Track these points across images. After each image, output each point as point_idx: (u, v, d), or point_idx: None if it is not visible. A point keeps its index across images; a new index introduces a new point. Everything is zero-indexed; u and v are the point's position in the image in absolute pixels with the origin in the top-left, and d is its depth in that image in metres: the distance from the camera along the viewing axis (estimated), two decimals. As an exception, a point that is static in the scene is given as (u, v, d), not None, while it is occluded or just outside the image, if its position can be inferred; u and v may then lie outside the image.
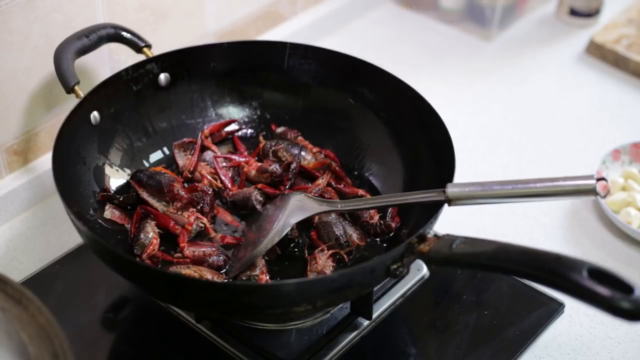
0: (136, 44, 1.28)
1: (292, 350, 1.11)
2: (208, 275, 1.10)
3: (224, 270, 1.13)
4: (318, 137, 1.32)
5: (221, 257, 1.13)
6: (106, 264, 1.04)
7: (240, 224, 1.21)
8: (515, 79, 1.68)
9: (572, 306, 1.20)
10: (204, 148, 1.29)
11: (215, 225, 1.20)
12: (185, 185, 1.22)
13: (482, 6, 1.74)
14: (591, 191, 0.97)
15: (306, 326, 1.13)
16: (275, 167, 1.23)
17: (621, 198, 1.34)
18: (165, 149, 1.30)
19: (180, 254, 1.14)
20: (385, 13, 1.83)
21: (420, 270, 1.22)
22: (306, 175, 1.26)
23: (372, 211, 1.20)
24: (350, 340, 1.13)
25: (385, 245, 1.18)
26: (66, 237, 1.28)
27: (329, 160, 1.28)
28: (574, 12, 1.79)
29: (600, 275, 0.85)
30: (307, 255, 1.15)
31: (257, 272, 1.11)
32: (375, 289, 1.10)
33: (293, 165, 1.23)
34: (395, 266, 0.98)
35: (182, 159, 1.28)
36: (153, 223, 1.17)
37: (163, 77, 1.29)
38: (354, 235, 1.18)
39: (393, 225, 1.18)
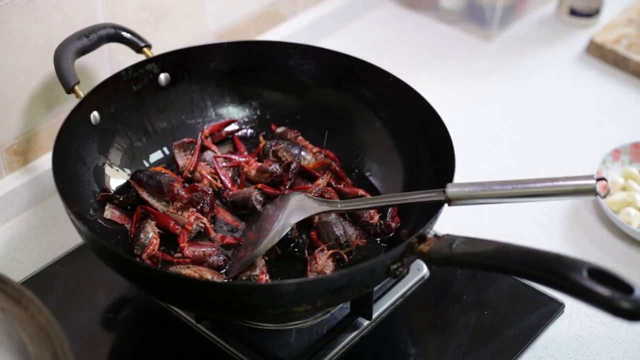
0: (136, 44, 1.28)
1: (292, 350, 1.11)
2: (208, 275, 1.10)
3: (224, 270, 1.13)
4: (318, 137, 1.32)
5: (221, 257, 1.13)
6: (106, 264, 1.04)
7: (241, 224, 1.21)
8: (515, 79, 1.68)
9: (572, 306, 1.20)
10: (204, 148, 1.29)
11: (215, 225, 1.20)
12: (185, 185, 1.22)
13: (482, 6, 1.74)
14: (591, 191, 0.97)
15: (306, 326, 1.14)
16: (275, 167, 1.23)
17: (621, 198, 1.34)
18: (165, 149, 1.30)
19: (180, 254, 1.14)
20: (385, 13, 1.83)
21: (420, 270, 1.22)
22: (306, 175, 1.26)
23: (372, 211, 1.20)
24: (350, 340, 1.13)
25: (385, 245, 1.18)
26: (66, 237, 1.28)
27: (329, 160, 1.28)
28: (574, 12, 1.79)
29: (600, 275, 0.85)
30: (307, 255, 1.15)
31: (257, 272, 1.11)
32: (375, 289, 1.10)
33: (293, 165, 1.23)
34: (395, 266, 0.98)
35: (182, 159, 1.28)
36: (153, 223, 1.17)
37: (163, 77, 1.29)
38: (354, 235, 1.18)
39: (393, 225, 1.18)
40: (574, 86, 1.66)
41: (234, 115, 1.36)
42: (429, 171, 1.19)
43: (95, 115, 1.21)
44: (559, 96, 1.64)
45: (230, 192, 1.23)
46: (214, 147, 1.30)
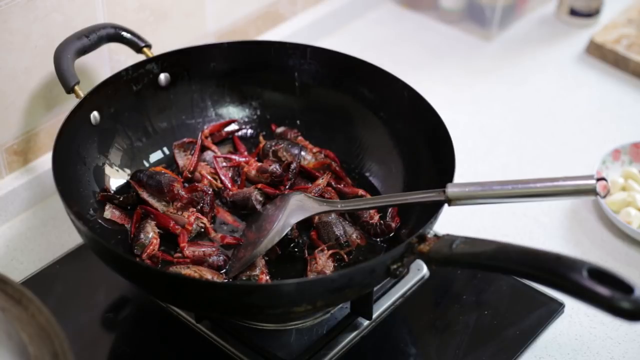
0: (136, 44, 1.28)
1: (292, 350, 1.11)
2: (208, 275, 1.10)
3: (224, 270, 1.13)
4: (318, 137, 1.32)
5: (221, 257, 1.13)
6: (106, 264, 1.04)
7: (241, 224, 1.21)
8: (515, 79, 1.68)
9: (572, 306, 1.20)
10: (204, 148, 1.29)
11: (215, 225, 1.20)
12: (185, 185, 1.22)
13: (482, 6, 1.74)
14: (591, 191, 0.97)
15: (306, 326, 1.14)
16: (275, 167, 1.23)
17: (621, 198, 1.34)
18: (165, 149, 1.30)
19: (180, 254, 1.14)
20: (385, 13, 1.83)
21: (420, 270, 1.22)
22: (306, 175, 1.26)
23: (372, 211, 1.20)
24: (350, 340, 1.13)
25: (385, 245, 1.18)
26: (66, 237, 1.28)
27: (329, 160, 1.28)
28: (574, 12, 1.79)
29: (600, 275, 0.85)
30: (307, 255, 1.15)
31: (257, 272, 1.11)
32: (375, 289, 1.10)
33: (293, 165, 1.23)
34: (395, 266, 0.98)
35: (182, 159, 1.28)
36: (153, 223, 1.17)
37: (163, 77, 1.29)
38: (354, 235, 1.18)
39: (393, 225, 1.18)
40: (574, 86, 1.66)
41: (234, 115, 1.36)
42: (429, 171, 1.19)
43: (95, 115, 1.21)
44: (559, 96, 1.64)
45: (230, 192, 1.23)
46: (214, 147, 1.30)
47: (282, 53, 1.32)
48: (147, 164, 1.28)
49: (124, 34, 1.27)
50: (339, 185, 1.24)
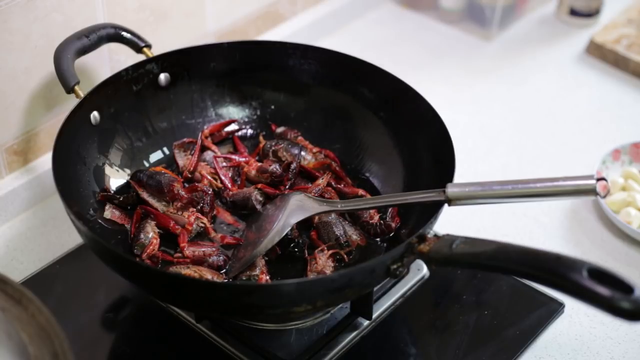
0: (136, 44, 1.28)
1: (292, 350, 1.11)
2: (208, 275, 1.10)
3: (224, 270, 1.13)
4: (318, 137, 1.32)
5: (221, 257, 1.13)
6: (106, 264, 1.04)
7: (241, 224, 1.21)
8: (515, 79, 1.68)
9: (572, 306, 1.20)
10: (204, 148, 1.29)
11: (215, 225, 1.20)
12: (185, 185, 1.22)
13: (482, 6, 1.74)
14: (591, 191, 0.97)
15: (306, 326, 1.13)
16: (275, 167, 1.23)
17: (621, 198, 1.34)
18: (165, 149, 1.30)
19: (180, 254, 1.14)
20: (385, 13, 1.83)
21: (420, 270, 1.22)
22: (306, 175, 1.26)
23: (372, 211, 1.20)
24: (350, 340, 1.13)
25: (385, 245, 1.18)
26: (66, 237, 1.28)
27: (329, 160, 1.28)
28: (574, 12, 1.79)
29: (600, 275, 0.85)
30: (307, 255, 1.15)
31: (257, 272, 1.11)
32: (375, 289, 1.10)
33: (293, 165, 1.23)
34: (395, 266, 0.98)
35: (182, 159, 1.28)
36: (153, 223, 1.17)
37: (163, 77, 1.29)
38: (354, 235, 1.18)
39: (393, 225, 1.18)
40: (574, 86, 1.66)
41: (234, 115, 1.36)
42: (429, 171, 1.19)
43: (95, 115, 1.21)
44: (559, 96, 1.64)
45: (230, 192, 1.23)
46: (214, 147, 1.30)
47: (282, 53, 1.32)
48: (147, 164, 1.28)
49: (124, 34, 1.27)
50: (339, 185, 1.24)
